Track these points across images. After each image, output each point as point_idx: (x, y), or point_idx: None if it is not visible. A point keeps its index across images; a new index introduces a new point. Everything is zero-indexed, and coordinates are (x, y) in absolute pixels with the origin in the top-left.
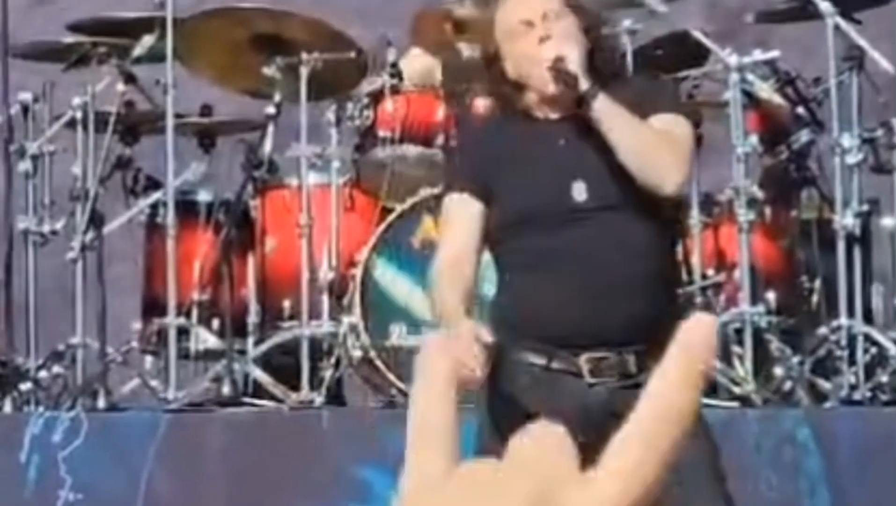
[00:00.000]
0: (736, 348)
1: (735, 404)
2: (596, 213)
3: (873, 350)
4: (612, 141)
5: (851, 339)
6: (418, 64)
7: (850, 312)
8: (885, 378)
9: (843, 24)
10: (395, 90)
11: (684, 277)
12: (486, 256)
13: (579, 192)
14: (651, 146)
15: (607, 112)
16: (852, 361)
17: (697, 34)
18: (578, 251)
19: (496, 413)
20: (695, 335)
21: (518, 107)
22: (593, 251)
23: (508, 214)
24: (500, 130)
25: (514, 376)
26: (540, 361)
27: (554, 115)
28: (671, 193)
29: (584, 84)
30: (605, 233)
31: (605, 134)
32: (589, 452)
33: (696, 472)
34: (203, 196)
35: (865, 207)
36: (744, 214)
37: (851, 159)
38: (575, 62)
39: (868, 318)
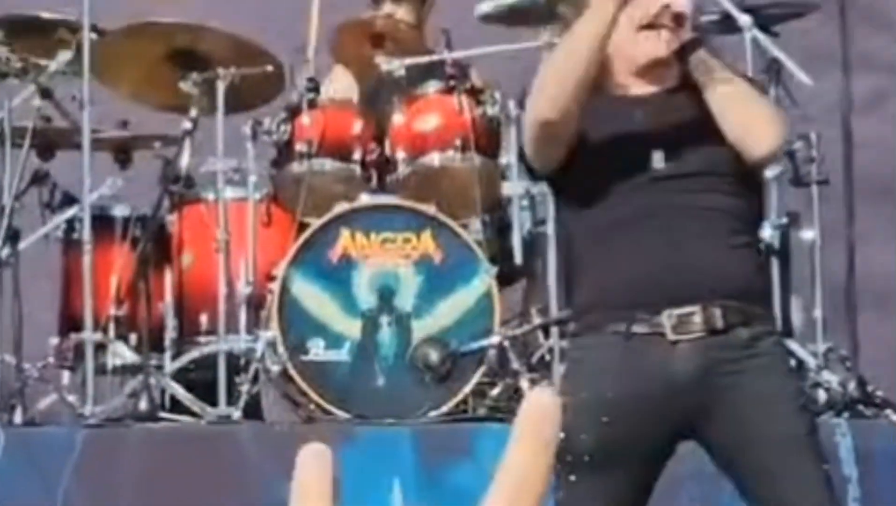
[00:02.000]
0: None
1: None
2: (676, 180)
3: (792, 363)
4: (710, 100)
5: None
6: (341, 80)
7: None
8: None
9: (760, 37)
10: (313, 104)
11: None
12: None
13: (658, 160)
14: (749, 102)
15: (707, 62)
16: None
17: None
18: (657, 216)
19: (576, 409)
20: (536, 411)
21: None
22: (672, 215)
23: (586, 184)
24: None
25: (590, 360)
26: (620, 327)
27: (632, 93)
28: (766, 152)
29: (688, 31)
30: (684, 199)
31: (703, 86)
32: (681, 426)
33: (798, 450)
34: (119, 211)
35: (785, 220)
36: None
37: (770, 173)
38: (685, 5)
39: (787, 331)
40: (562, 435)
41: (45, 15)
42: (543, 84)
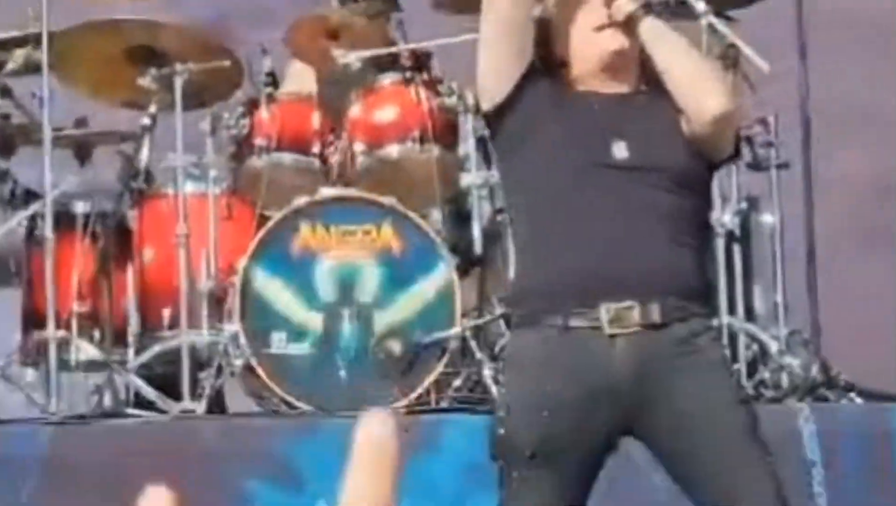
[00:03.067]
0: None
1: None
2: (635, 172)
3: (755, 347)
4: (658, 59)
5: (732, 336)
6: (299, 74)
7: (731, 310)
8: (766, 375)
9: (717, 22)
10: (271, 98)
11: None
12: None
13: (619, 150)
14: (699, 67)
15: (657, 29)
16: (734, 358)
17: None
18: (605, 206)
19: (516, 405)
20: (370, 442)
21: (558, 77)
22: (620, 207)
23: (540, 166)
24: (539, 83)
25: (528, 356)
26: (556, 320)
27: (595, 90)
28: (714, 116)
29: (633, 4)
30: (639, 191)
31: (653, 52)
32: (621, 420)
33: (741, 444)
34: (80, 207)
35: (744, 205)
36: None
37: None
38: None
39: (749, 315)
40: (502, 431)
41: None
42: None
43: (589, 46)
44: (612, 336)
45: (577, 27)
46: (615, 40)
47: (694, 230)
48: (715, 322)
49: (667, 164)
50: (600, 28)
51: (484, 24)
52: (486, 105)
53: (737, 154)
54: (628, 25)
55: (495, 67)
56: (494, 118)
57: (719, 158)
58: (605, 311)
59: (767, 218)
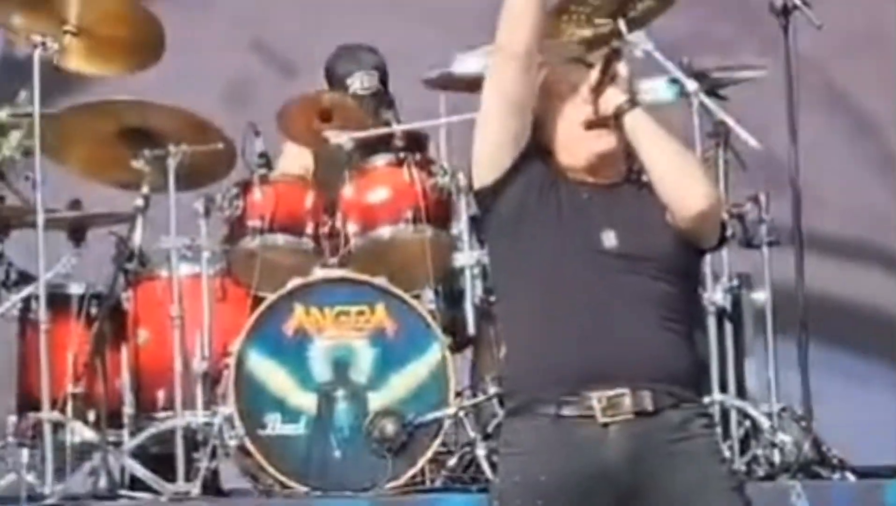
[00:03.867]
0: None
1: None
2: (623, 260)
3: (747, 424)
4: (641, 154)
5: (725, 413)
6: (295, 156)
7: (723, 387)
8: (759, 452)
9: (708, 101)
10: (265, 180)
11: None
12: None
13: (609, 239)
14: (681, 163)
15: (640, 123)
16: (726, 435)
17: None
18: (595, 293)
19: (510, 493)
20: None
21: (550, 162)
22: (610, 295)
23: (529, 250)
24: (533, 167)
25: (521, 444)
26: (549, 409)
27: (583, 181)
28: (696, 212)
29: (621, 96)
30: (628, 278)
31: (636, 147)
32: (618, 504)
33: None
34: (75, 289)
35: (736, 283)
36: None
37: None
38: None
39: (741, 392)
40: None
41: None
42: (506, 11)
43: (576, 143)
44: (605, 424)
45: (565, 120)
46: (603, 140)
47: (683, 315)
48: (707, 403)
49: (655, 252)
50: (589, 126)
51: (485, 102)
52: (480, 184)
53: (722, 243)
54: (616, 118)
55: (492, 147)
56: (487, 198)
57: (706, 246)
58: (596, 400)
59: (759, 295)
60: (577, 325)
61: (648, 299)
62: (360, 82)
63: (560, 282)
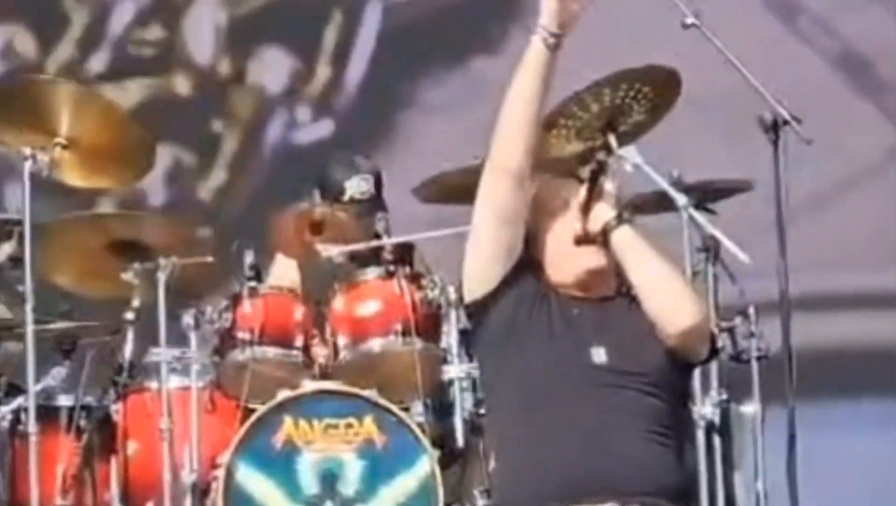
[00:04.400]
0: None
1: None
2: (613, 374)
3: None
4: (628, 271)
5: None
6: (285, 269)
7: (712, 501)
8: None
9: (697, 215)
10: (254, 292)
11: None
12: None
13: (599, 355)
14: (668, 281)
15: (628, 240)
16: None
17: None
18: (586, 406)
19: None
20: None
21: (540, 276)
22: (601, 407)
23: (520, 364)
24: (524, 281)
25: None
26: None
27: (574, 296)
28: (687, 325)
29: (609, 213)
30: (617, 393)
31: (623, 264)
32: None
33: None
34: (64, 401)
35: (725, 396)
36: None
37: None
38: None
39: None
40: None
41: None
42: (499, 128)
43: (566, 260)
44: None
45: (555, 236)
46: (592, 258)
47: (673, 429)
48: None
49: (644, 368)
50: (578, 242)
51: (476, 217)
52: (471, 297)
53: (712, 356)
54: (604, 235)
55: (484, 261)
56: (478, 312)
57: (695, 361)
58: None
59: (748, 408)
60: (566, 439)
61: (638, 414)
62: (357, 187)
63: (549, 396)
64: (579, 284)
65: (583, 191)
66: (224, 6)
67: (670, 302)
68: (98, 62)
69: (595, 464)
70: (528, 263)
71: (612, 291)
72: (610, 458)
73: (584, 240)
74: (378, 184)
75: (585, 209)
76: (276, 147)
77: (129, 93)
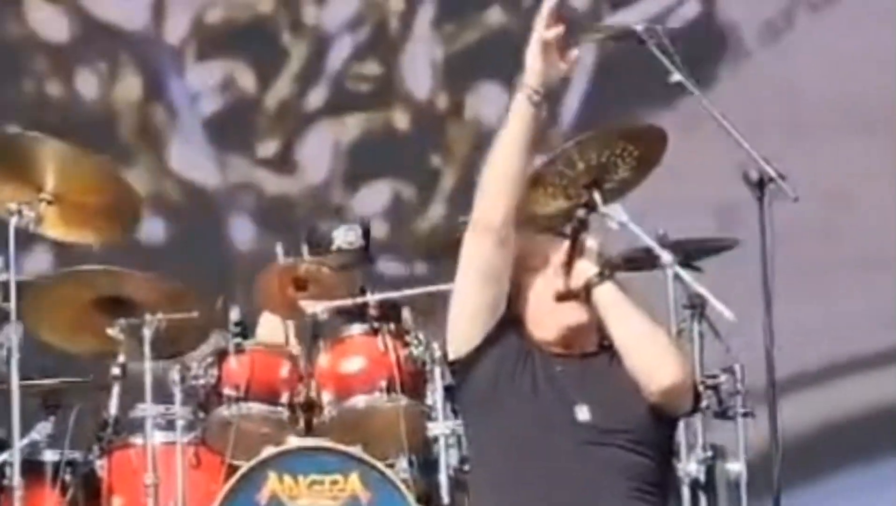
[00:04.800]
0: None
1: None
2: (596, 431)
3: None
4: (610, 328)
5: None
6: (271, 325)
7: None
8: None
9: (683, 273)
10: (240, 348)
11: None
12: None
13: (582, 413)
14: (650, 339)
15: (610, 297)
16: None
17: None
18: (568, 462)
19: None
20: None
21: (524, 333)
22: (584, 463)
23: (503, 421)
24: (508, 338)
25: None
26: None
27: (557, 353)
28: (670, 383)
29: (592, 269)
30: (600, 450)
31: (605, 321)
32: None
33: None
34: (49, 456)
35: (710, 453)
36: None
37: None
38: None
39: None
40: None
41: None
42: (484, 185)
43: (547, 316)
44: None
45: (536, 293)
46: (573, 314)
47: (657, 486)
48: None
49: (628, 425)
50: (560, 298)
51: (460, 274)
52: (454, 355)
53: (695, 410)
54: (586, 291)
55: (468, 319)
56: (462, 368)
57: (678, 415)
58: None
59: (734, 466)
60: (548, 496)
61: (623, 471)
62: (344, 237)
63: (534, 453)
64: (561, 341)
65: (565, 247)
66: (440, 42)
67: (653, 360)
68: (316, 97)
69: None
70: (510, 320)
71: (595, 347)
72: None
73: (565, 296)
74: (366, 235)
75: (567, 266)
76: None
77: (348, 127)
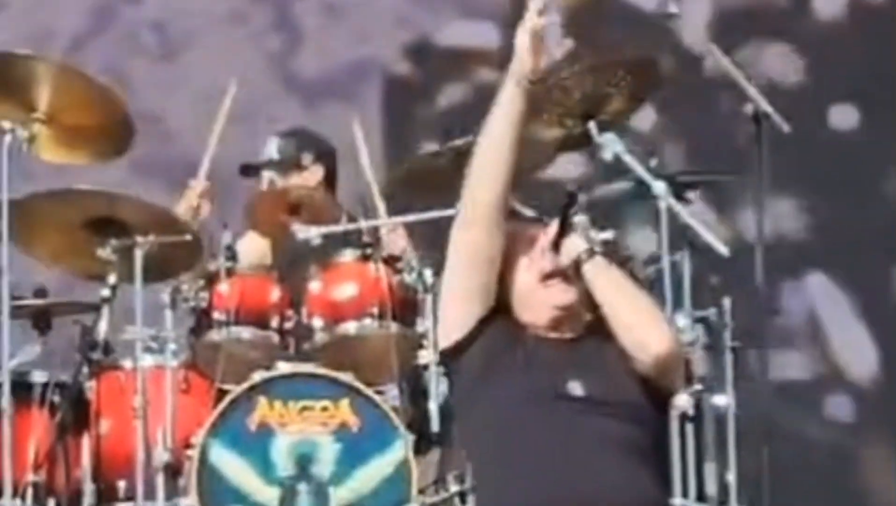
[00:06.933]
0: None
1: None
2: (590, 403)
3: None
4: (601, 301)
5: None
6: (253, 246)
7: (684, 492)
8: None
9: (675, 204)
10: (231, 272)
11: None
12: None
13: (575, 388)
14: (641, 309)
15: (599, 270)
16: None
17: None
18: (563, 434)
19: None
20: None
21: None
22: (579, 438)
23: (497, 401)
24: (498, 322)
25: None
26: None
27: (546, 335)
28: (656, 357)
29: (581, 246)
30: (595, 421)
31: (595, 294)
32: None
33: None
34: (38, 377)
35: (699, 387)
36: None
37: (684, 338)
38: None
39: (701, 496)
40: None
41: None
42: (475, 169)
43: (535, 297)
44: None
45: (522, 276)
46: (561, 294)
47: (652, 456)
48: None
49: (621, 399)
50: (546, 277)
51: (452, 258)
52: (446, 341)
53: (689, 384)
54: (575, 268)
55: (460, 303)
56: (453, 355)
57: (671, 391)
58: None
59: (721, 399)
60: (542, 467)
61: (615, 441)
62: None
63: (526, 425)
64: (550, 323)
65: (554, 224)
66: None
67: (645, 328)
68: None
69: (571, 492)
70: (499, 307)
71: (583, 329)
72: (586, 485)
73: (552, 274)
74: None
75: (556, 243)
76: None
77: None
